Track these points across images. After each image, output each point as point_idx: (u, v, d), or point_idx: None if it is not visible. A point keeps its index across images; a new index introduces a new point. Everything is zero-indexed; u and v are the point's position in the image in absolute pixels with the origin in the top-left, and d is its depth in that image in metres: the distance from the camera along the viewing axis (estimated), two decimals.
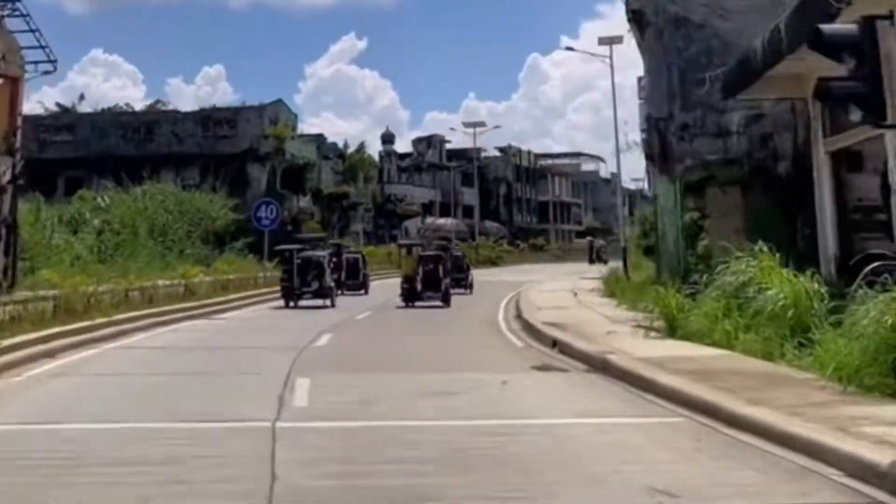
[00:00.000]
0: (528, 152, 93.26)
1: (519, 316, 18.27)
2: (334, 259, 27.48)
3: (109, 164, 47.12)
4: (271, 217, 30.93)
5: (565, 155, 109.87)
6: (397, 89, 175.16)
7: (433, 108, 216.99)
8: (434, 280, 23.46)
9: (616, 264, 35.57)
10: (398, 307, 22.88)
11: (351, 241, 52.50)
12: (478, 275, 33.65)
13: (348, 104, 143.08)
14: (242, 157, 50.33)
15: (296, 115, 56.53)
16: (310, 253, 24.41)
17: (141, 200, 37.12)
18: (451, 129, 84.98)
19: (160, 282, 22.20)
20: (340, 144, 65.74)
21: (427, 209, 77.44)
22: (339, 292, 26.10)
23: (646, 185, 42.68)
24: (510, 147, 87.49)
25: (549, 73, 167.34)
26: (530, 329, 15.64)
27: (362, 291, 29.62)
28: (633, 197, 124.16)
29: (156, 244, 32.49)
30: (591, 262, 63.37)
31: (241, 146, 50.59)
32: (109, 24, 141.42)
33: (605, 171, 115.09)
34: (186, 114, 53.52)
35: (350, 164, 63.24)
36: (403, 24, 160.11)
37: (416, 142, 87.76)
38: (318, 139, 60.83)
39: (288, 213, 45.11)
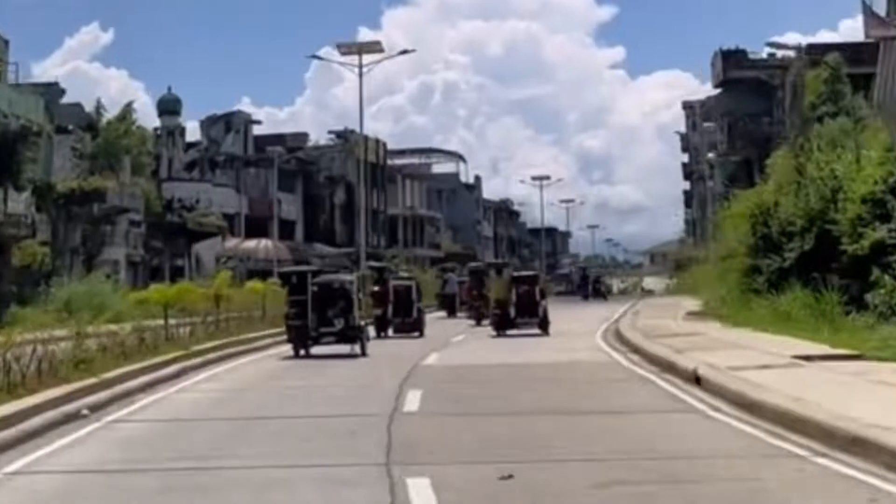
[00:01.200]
0: (378, 142, 76.75)
1: None
2: (376, 287, 29.72)
3: None
4: None
5: (414, 151, 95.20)
6: (151, 92, 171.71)
7: (196, 115, 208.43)
8: (530, 304, 26.98)
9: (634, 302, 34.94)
10: (491, 336, 26.42)
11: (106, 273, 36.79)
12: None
13: None
14: None
15: (6, 42, 37.83)
16: (331, 277, 23.60)
17: None
18: (314, 56, 54.97)
19: None
20: (90, 109, 47.44)
21: (228, 224, 59.59)
22: (382, 334, 27.83)
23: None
24: (351, 133, 70.30)
25: (342, 72, 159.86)
26: None
27: (416, 333, 28.91)
28: (501, 211, 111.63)
29: None
30: (586, 297, 62.29)
31: None
32: None
33: (465, 174, 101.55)
34: None
35: (107, 140, 45.52)
36: (160, 12, 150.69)
37: (207, 123, 69.61)
38: (50, 92, 42.64)
39: None
